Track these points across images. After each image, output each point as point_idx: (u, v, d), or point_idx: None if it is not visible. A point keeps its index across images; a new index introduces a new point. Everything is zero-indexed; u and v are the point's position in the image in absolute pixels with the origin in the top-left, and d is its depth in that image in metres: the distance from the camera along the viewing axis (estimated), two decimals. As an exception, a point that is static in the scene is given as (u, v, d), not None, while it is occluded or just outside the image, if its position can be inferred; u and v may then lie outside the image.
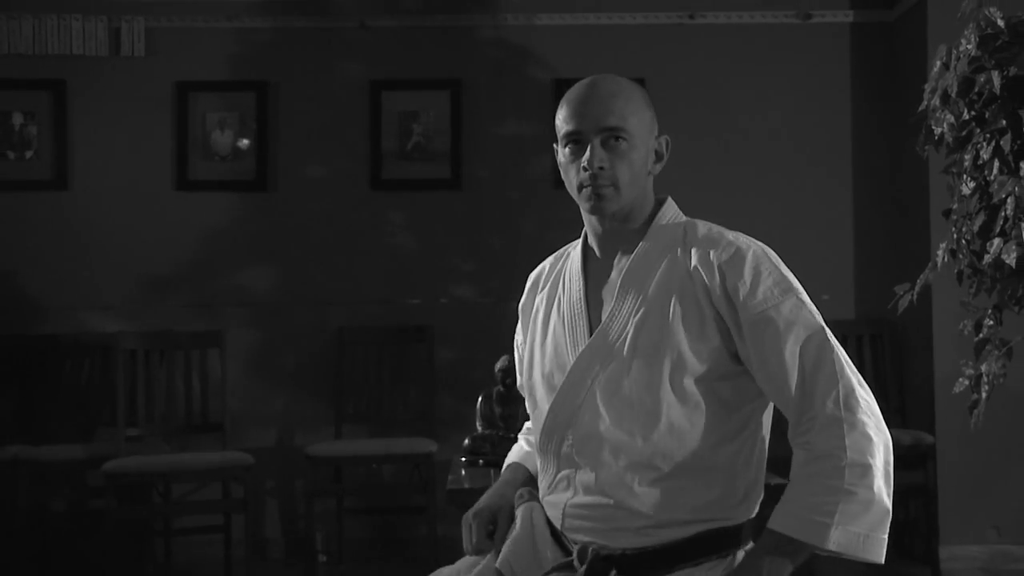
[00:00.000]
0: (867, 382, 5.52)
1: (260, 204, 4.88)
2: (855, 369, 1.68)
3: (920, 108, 3.03)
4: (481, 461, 3.22)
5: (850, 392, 1.63)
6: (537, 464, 1.85)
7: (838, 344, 1.69)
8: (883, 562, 1.59)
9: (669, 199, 1.85)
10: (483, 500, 1.86)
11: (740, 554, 1.70)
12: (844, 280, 4.90)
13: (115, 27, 4.81)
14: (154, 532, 4.62)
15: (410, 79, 4.91)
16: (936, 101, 2.94)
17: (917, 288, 3.08)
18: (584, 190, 1.74)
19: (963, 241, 3.01)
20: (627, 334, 1.70)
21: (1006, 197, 2.82)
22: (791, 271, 1.76)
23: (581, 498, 1.72)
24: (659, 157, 1.80)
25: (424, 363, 4.72)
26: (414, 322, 4.80)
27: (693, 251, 1.73)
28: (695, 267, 1.71)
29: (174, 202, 4.86)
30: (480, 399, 3.43)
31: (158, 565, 4.63)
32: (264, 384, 4.81)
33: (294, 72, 4.91)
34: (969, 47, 2.83)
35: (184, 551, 4.67)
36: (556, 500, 1.76)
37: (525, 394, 1.91)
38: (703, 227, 1.79)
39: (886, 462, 1.63)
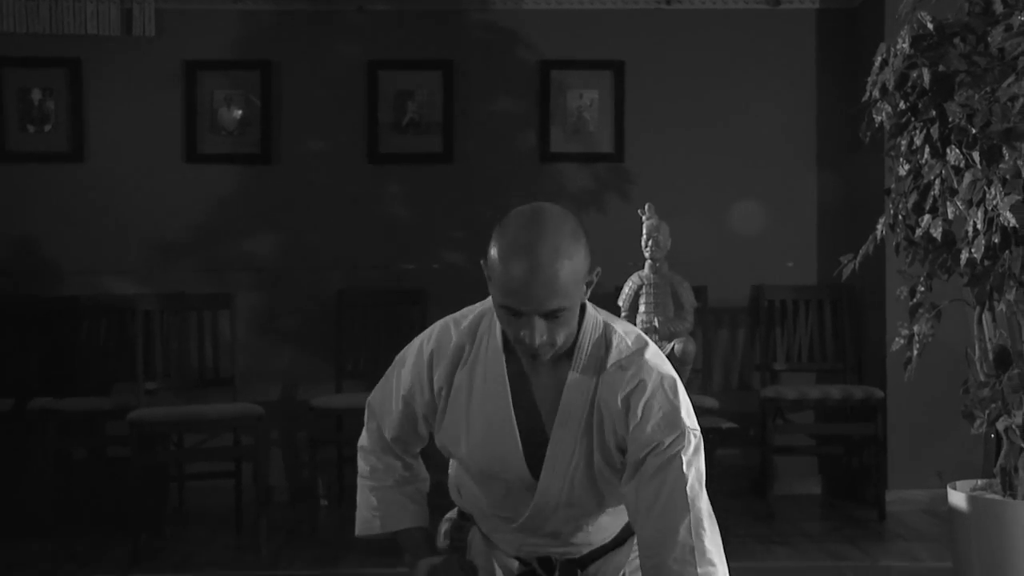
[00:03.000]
0: (827, 343, 5.90)
1: (264, 176, 5.23)
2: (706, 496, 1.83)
3: (863, 99, 3.41)
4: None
5: (709, 532, 1.79)
6: (462, 498, 2.07)
7: (700, 476, 1.81)
8: None
9: (587, 306, 1.85)
10: (426, 564, 1.96)
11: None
12: (808, 249, 5.29)
13: (127, 8, 5.12)
14: (169, 478, 5.01)
15: (405, 59, 5.25)
16: (876, 93, 3.32)
17: (859, 258, 3.47)
18: (521, 347, 1.77)
19: (900, 217, 3.40)
20: (576, 464, 1.83)
21: (934, 179, 3.22)
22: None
23: (538, 540, 1.97)
24: (589, 286, 1.80)
25: (418, 324, 5.08)
26: (409, 286, 5.17)
27: (608, 382, 1.81)
28: (607, 399, 1.81)
29: (184, 174, 5.20)
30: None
31: (173, 509, 5.02)
32: (270, 343, 5.19)
33: (296, 52, 5.24)
34: (904, 46, 3.21)
35: (196, 496, 5.05)
36: (507, 539, 2.02)
37: (445, 444, 1.95)
38: (615, 350, 1.83)
39: None
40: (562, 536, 1.98)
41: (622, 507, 1.93)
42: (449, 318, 2.00)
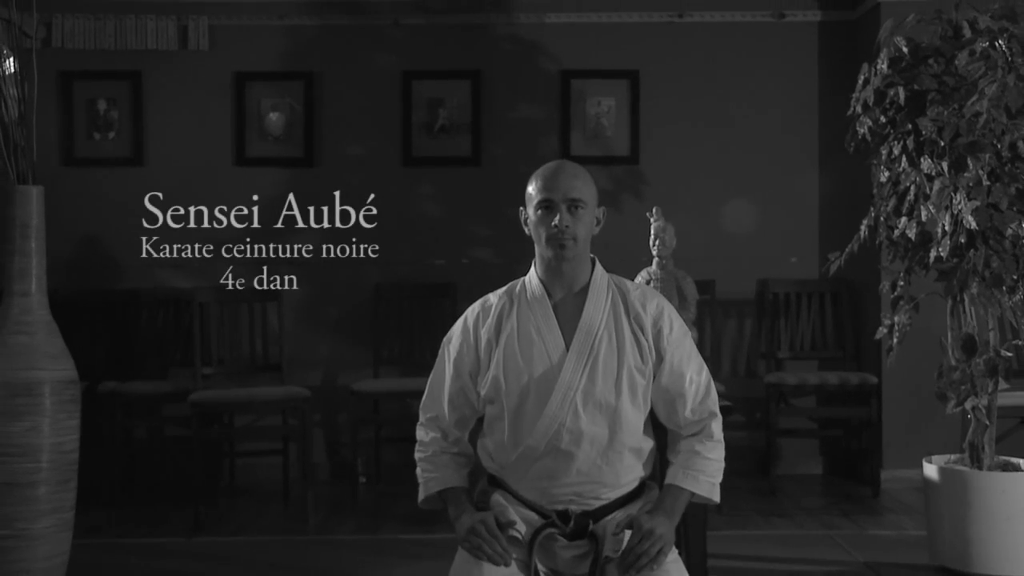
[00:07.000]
0: (827, 332, 6.40)
1: (308, 178, 5.68)
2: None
3: (848, 113, 3.80)
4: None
5: (716, 400, 2.45)
6: (493, 461, 2.44)
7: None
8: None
9: (595, 258, 2.47)
10: (468, 519, 2.35)
11: (652, 493, 2.49)
12: (810, 246, 5.68)
13: (183, 25, 5.59)
14: (222, 454, 5.47)
15: (437, 70, 5.68)
16: (859, 108, 3.71)
17: (844, 256, 3.86)
18: (552, 241, 2.36)
19: (881, 218, 3.79)
20: (595, 355, 2.34)
21: (909, 185, 3.61)
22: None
23: (561, 483, 2.35)
24: (598, 222, 2.43)
25: (448, 314, 5.52)
26: (439, 280, 5.61)
27: (634, 302, 2.41)
28: (638, 313, 2.39)
29: (234, 176, 5.66)
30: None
31: (224, 483, 5.49)
32: (314, 332, 5.65)
33: (336, 63, 5.68)
34: (883, 66, 3.60)
35: (246, 472, 5.51)
36: (534, 486, 2.38)
37: (491, 399, 2.39)
38: (629, 283, 2.47)
39: None
40: (579, 486, 2.37)
41: (632, 463, 2.38)
42: (485, 297, 2.50)
